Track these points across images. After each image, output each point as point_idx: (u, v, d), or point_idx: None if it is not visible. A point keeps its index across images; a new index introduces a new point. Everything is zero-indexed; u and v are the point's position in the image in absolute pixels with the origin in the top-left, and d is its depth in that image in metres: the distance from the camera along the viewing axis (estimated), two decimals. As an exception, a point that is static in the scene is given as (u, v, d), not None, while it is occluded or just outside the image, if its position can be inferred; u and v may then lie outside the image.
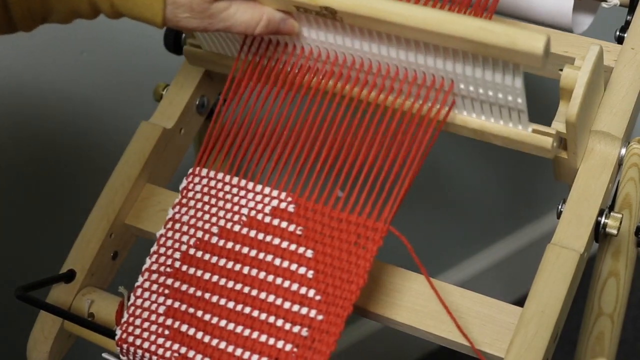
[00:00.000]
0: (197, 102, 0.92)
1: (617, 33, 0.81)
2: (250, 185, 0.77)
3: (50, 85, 1.12)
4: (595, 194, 0.75)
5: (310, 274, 0.72)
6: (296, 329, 0.70)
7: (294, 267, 0.72)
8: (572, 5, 0.82)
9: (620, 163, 0.76)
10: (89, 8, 0.71)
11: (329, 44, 0.75)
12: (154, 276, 0.77)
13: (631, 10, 0.82)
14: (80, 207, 0.89)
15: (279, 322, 0.71)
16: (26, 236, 1.16)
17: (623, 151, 0.76)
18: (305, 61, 0.77)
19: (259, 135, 0.78)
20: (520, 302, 0.72)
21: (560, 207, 0.76)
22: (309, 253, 0.72)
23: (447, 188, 1.52)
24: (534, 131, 0.74)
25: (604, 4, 0.83)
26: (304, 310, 0.70)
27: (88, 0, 0.71)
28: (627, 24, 0.81)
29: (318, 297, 0.70)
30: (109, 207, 0.86)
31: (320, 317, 0.70)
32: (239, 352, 0.71)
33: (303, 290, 0.71)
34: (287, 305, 0.71)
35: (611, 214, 0.75)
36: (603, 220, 0.75)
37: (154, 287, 0.76)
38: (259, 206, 0.76)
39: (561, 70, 0.73)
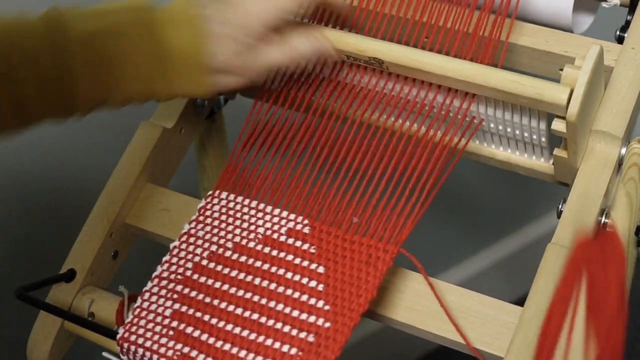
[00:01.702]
0: (197, 102, 0.92)
1: (617, 33, 0.81)
2: (269, 208, 0.79)
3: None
4: (596, 194, 0.75)
5: (320, 287, 0.73)
6: (303, 334, 0.71)
7: (305, 280, 0.73)
8: (572, 5, 0.82)
9: (620, 163, 0.76)
10: (146, 93, 0.77)
11: (371, 85, 0.81)
12: (164, 282, 0.77)
13: (631, 10, 0.82)
14: (81, 207, 0.89)
15: (286, 328, 0.71)
16: (26, 236, 1.16)
17: (623, 151, 0.76)
18: (338, 92, 0.82)
19: (279, 160, 0.81)
20: (520, 301, 0.72)
21: (560, 206, 0.76)
22: (321, 269, 0.74)
23: (447, 187, 1.52)
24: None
25: (604, 4, 0.83)
26: (312, 319, 0.71)
27: (146, 86, 0.76)
28: (627, 23, 0.81)
29: (327, 307, 0.71)
30: (109, 206, 0.86)
31: (327, 325, 0.70)
32: (242, 353, 0.71)
33: (312, 301, 0.72)
34: (295, 313, 0.72)
35: (611, 213, 0.75)
36: (603, 219, 0.75)
37: (163, 292, 0.77)
38: (275, 227, 0.77)
39: (561, 69, 0.73)
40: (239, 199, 0.80)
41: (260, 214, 0.79)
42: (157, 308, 0.76)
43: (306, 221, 0.77)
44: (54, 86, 0.72)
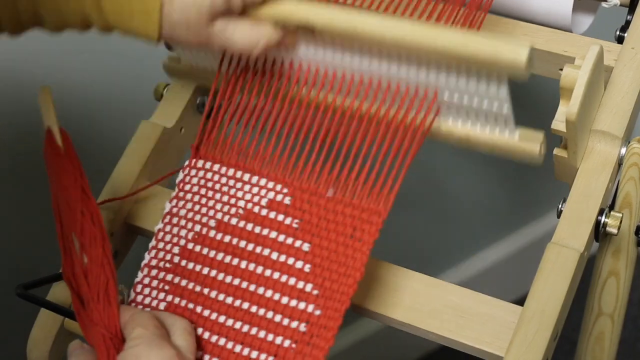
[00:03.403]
0: (198, 102, 0.92)
1: (617, 33, 0.81)
2: (247, 176, 0.77)
3: (50, 85, 1.12)
4: (596, 193, 0.75)
5: (307, 267, 0.72)
6: (294, 324, 0.70)
7: (290, 261, 0.72)
8: (572, 6, 0.82)
9: (620, 162, 0.76)
10: (79, 21, 0.71)
11: (312, 56, 0.75)
12: (154, 272, 0.77)
13: (631, 10, 0.82)
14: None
15: (277, 318, 0.71)
16: (26, 235, 1.16)
17: (623, 150, 0.76)
18: (288, 73, 0.77)
19: (254, 124, 0.78)
20: (520, 301, 0.72)
21: (560, 206, 0.76)
22: (306, 246, 0.72)
23: (447, 188, 1.52)
24: (521, 138, 0.72)
25: (604, 4, 0.83)
26: (302, 305, 0.70)
27: (80, 13, 0.70)
28: (627, 23, 0.81)
29: (315, 292, 0.70)
30: (109, 206, 0.86)
31: (318, 312, 0.70)
32: (238, 348, 0.71)
33: (300, 285, 0.71)
34: (285, 300, 0.71)
35: (611, 213, 0.75)
36: (603, 219, 0.75)
37: (154, 282, 0.76)
38: (256, 199, 0.76)
39: (561, 70, 0.73)
40: (216, 167, 0.78)
41: (239, 184, 0.77)
42: (150, 301, 0.76)
43: (286, 190, 0.75)
44: None
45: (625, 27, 0.81)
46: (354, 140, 0.74)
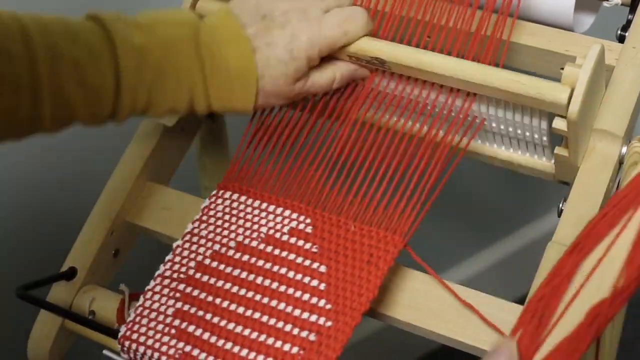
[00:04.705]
0: (198, 101, 0.92)
1: (619, 32, 0.81)
2: (272, 207, 0.79)
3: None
4: (596, 193, 0.75)
5: (322, 286, 0.73)
6: (304, 333, 0.70)
7: (307, 279, 0.73)
8: (574, 5, 0.82)
9: (621, 162, 0.76)
10: (186, 107, 0.77)
11: (374, 84, 0.81)
12: (167, 281, 0.77)
13: (632, 9, 0.82)
14: (82, 205, 0.89)
15: (288, 327, 0.71)
16: (26, 235, 1.16)
17: (624, 150, 0.76)
18: (346, 95, 0.82)
19: (282, 159, 0.81)
20: (520, 300, 0.71)
21: (561, 205, 0.76)
22: (323, 268, 0.74)
23: (447, 187, 1.52)
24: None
25: (605, 3, 0.83)
26: (314, 318, 0.71)
27: (189, 101, 0.77)
28: (629, 22, 0.81)
29: (328, 306, 0.71)
30: (110, 205, 0.86)
31: (329, 324, 0.70)
32: (244, 352, 0.71)
33: (314, 300, 0.72)
34: (297, 312, 0.72)
35: (612, 212, 0.75)
36: (604, 219, 0.75)
37: (165, 290, 0.77)
38: (278, 226, 0.77)
39: (562, 69, 0.73)
40: (243, 198, 0.80)
41: (263, 214, 0.79)
42: (159, 307, 0.76)
43: (309, 220, 0.77)
44: (96, 93, 0.72)
45: (626, 26, 0.81)
46: (377, 173, 0.77)
